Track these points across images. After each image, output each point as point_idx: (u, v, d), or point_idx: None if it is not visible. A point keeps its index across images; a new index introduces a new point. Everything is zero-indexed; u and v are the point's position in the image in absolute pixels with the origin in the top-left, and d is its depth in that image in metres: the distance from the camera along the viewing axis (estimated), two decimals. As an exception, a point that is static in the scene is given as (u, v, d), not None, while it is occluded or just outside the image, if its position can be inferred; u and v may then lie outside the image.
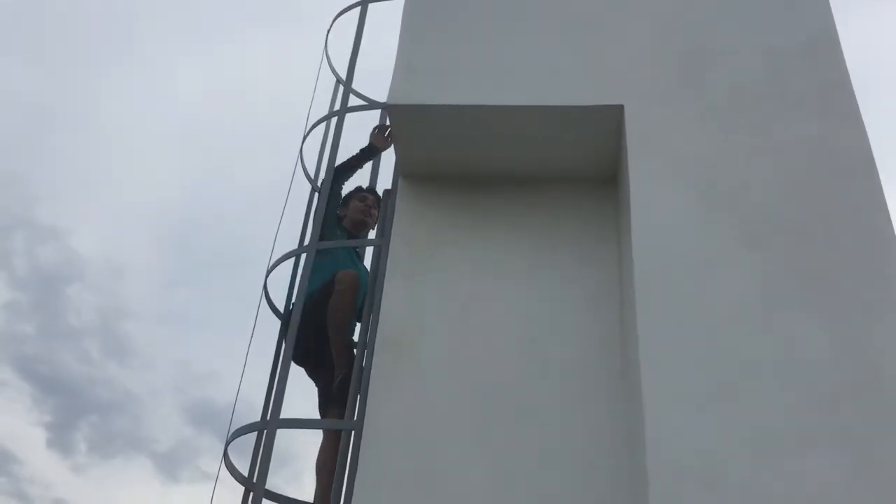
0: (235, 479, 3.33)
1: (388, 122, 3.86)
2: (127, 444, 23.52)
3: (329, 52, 4.46)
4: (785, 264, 2.69)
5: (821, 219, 2.81)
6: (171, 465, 23.31)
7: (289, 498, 3.38)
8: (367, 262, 4.05)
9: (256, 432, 3.33)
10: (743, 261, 2.71)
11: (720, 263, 2.71)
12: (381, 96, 3.73)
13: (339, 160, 3.88)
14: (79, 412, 24.48)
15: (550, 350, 3.04)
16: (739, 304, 2.62)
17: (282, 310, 3.83)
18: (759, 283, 2.66)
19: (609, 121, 3.19)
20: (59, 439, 23.10)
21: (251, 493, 3.17)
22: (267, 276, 3.79)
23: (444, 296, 3.21)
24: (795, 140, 3.00)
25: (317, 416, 3.82)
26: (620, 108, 3.15)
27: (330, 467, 3.43)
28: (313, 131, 4.20)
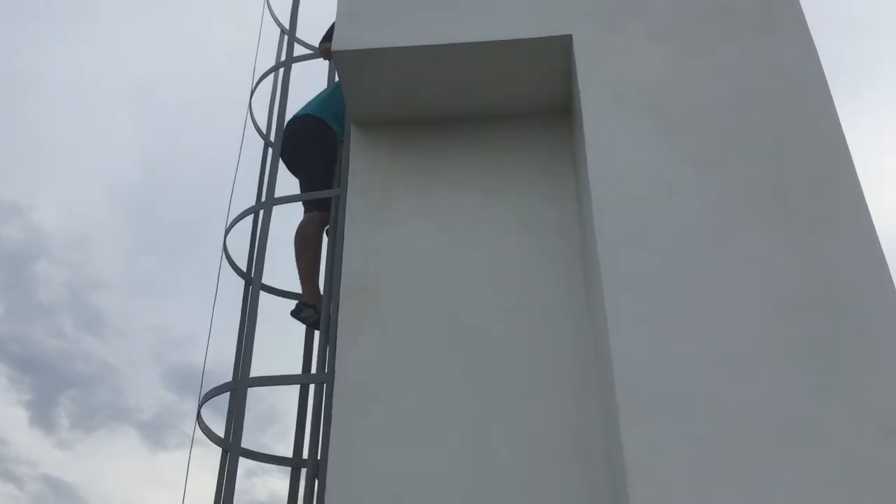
0: (211, 440, 3.32)
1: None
2: (110, 416, 23.50)
3: (271, 1, 4.35)
4: (741, 183, 2.70)
5: (774, 135, 2.81)
6: (156, 432, 23.35)
7: (266, 454, 3.38)
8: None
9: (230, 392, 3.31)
10: (699, 182, 2.70)
11: (676, 187, 2.70)
12: (327, 43, 3.64)
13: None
14: (58, 388, 24.36)
15: (515, 287, 3.03)
16: (698, 225, 2.62)
17: (244, 268, 3.78)
18: (717, 203, 2.66)
19: (558, 51, 3.14)
20: (42, 417, 23.03)
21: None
22: (226, 236, 3.74)
23: (405, 241, 3.18)
24: (744, 59, 2.98)
25: (295, 371, 3.79)
26: (569, 38, 3.10)
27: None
28: (263, 84, 4.12)
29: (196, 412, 3.34)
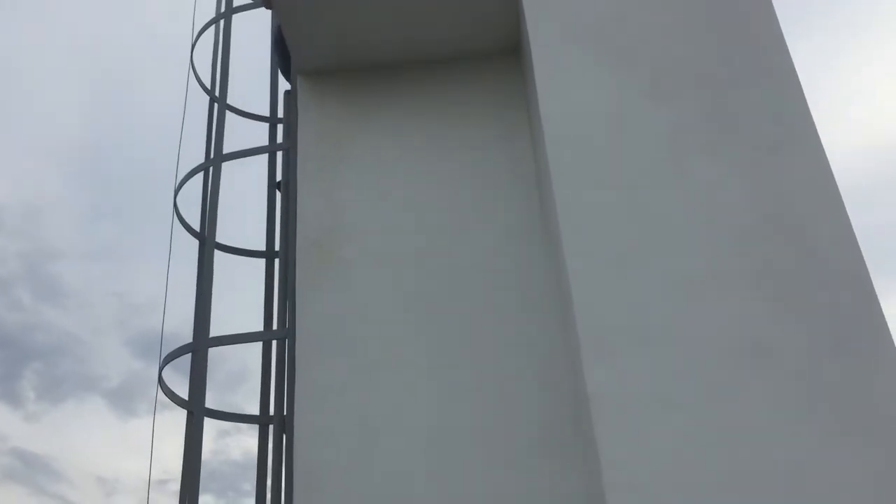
0: (175, 402, 3.29)
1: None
2: (76, 386, 23.26)
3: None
4: (693, 113, 2.68)
5: (725, 64, 2.79)
6: (125, 399, 23.16)
7: (231, 413, 3.36)
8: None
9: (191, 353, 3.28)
10: (652, 114, 2.68)
11: (629, 119, 2.68)
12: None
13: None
14: (21, 361, 23.99)
15: (473, 229, 3.02)
16: (651, 156, 2.60)
17: (197, 228, 3.71)
18: (670, 133, 2.64)
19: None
20: (6, 391, 22.71)
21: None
22: (176, 195, 3.66)
23: (360, 190, 3.14)
24: (692, -13, 2.95)
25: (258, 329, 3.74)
26: (514, -26, 3.04)
27: None
28: (204, 40, 4.00)
29: (158, 375, 3.30)
